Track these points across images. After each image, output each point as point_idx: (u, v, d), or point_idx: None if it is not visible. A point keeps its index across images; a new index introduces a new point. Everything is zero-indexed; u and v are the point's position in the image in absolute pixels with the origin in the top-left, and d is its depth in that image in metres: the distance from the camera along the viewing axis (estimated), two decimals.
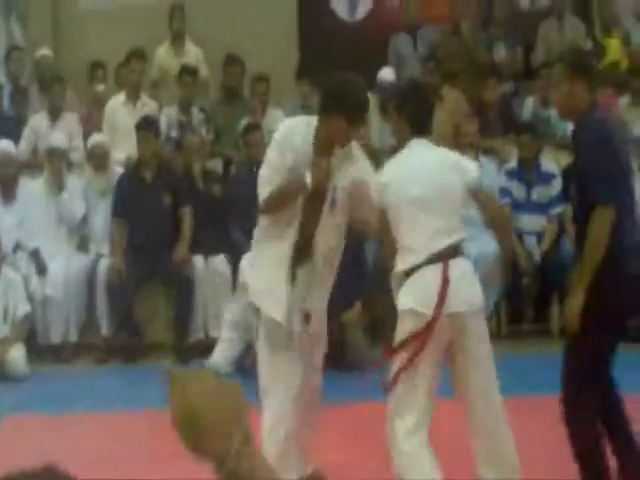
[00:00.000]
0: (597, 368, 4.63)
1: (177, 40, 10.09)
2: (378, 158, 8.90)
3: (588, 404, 4.62)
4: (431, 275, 4.52)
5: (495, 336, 7.99)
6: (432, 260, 4.53)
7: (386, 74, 9.45)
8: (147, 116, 8.72)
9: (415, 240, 4.58)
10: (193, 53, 10.09)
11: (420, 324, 4.48)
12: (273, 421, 4.65)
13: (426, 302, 4.48)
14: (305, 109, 9.61)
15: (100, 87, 9.64)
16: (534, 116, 9.18)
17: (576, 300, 4.48)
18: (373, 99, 9.50)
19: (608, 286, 4.45)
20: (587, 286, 4.44)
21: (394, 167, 4.78)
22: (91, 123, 9.38)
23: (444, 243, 4.57)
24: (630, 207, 4.65)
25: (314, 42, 10.74)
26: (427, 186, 4.65)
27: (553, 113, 9.23)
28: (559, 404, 4.67)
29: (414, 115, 4.79)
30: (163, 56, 10.01)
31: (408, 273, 4.55)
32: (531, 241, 8.20)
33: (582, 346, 4.57)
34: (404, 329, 4.54)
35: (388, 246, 4.72)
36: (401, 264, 4.58)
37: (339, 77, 4.83)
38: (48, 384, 7.41)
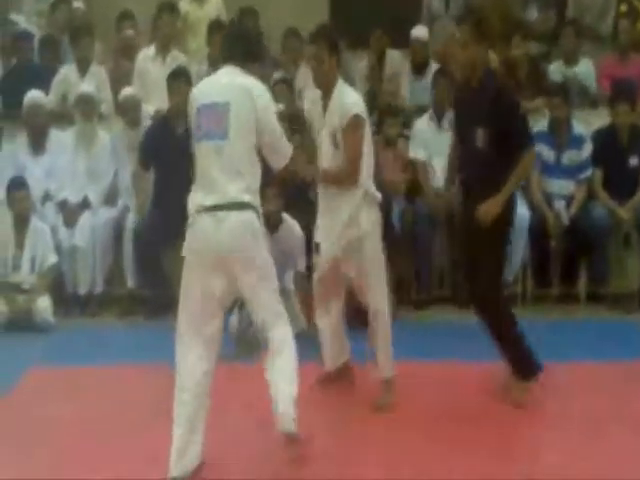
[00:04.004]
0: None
1: None
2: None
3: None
4: None
5: (521, 300, 8.03)
6: None
7: (420, 32, 9.36)
8: (179, 67, 8.65)
9: None
10: (215, 2, 10.05)
11: None
12: None
13: None
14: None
15: (129, 32, 9.56)
16: (562, 76, 9.08)
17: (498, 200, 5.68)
18: (406, 57, 9.49)
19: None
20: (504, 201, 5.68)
21: None
22: (119, 72, 9.35)
23: None
24: None
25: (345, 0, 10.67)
26: None
27: (579, 70, 9.16)
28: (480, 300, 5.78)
29: None
30: (186, 8, 9.95)
31: None
32: (560, 205, 8.13)
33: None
34: None
35: None
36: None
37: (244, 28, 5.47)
38: (74, 335, 7.46)
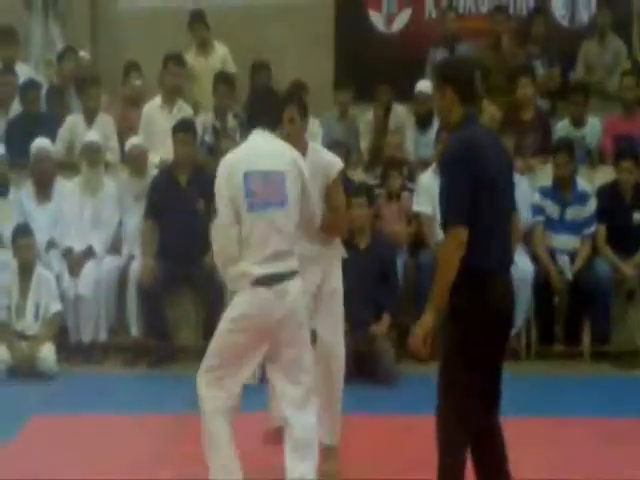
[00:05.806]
0: None
1: (203, 45, 10.15)
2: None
3: None
4: None
5: (525, 356, 8.01)
6: None
7: (424, 85, 9.43)
8: (184, 119, 8.74)
9: None
10: (221, 54, 10.14)
11: None
12: None
13: None
14: (342, 120, 9.63)
15: (137, 82, 9.63)
16: (570, 137, 9.13)
17: (424, 322, 4.27)
18: (410, 110, 9.56)
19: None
20: (439, 307, 4.24)
21: None
22: (126, 122, 9.40)
23: None
24: (495, 227, 4.33)
25: (350, 54, 10.76)
26: None
27: (587, 132, 9.22)
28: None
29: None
30: (192, 60, 10.03)
31: None
32: (564, 260, 8.15)
33: None
34: None
35: None
36: None
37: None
38: (77, 384, 7.44)
